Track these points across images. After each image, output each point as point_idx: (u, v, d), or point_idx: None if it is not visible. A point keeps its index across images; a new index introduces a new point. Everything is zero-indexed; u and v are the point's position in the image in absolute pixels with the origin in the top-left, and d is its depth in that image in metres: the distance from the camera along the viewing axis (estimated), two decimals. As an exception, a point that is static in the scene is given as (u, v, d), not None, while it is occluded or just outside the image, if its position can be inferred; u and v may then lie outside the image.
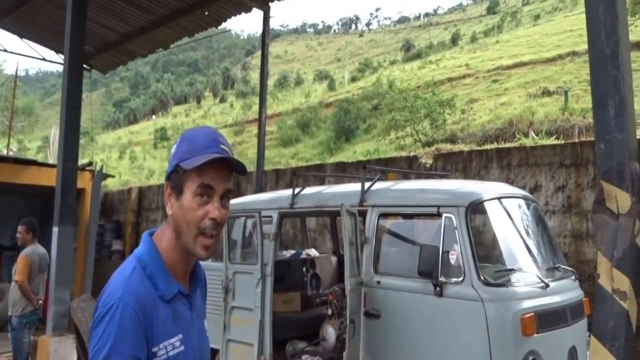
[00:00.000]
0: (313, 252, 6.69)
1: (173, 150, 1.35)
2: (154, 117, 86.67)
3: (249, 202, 5.63)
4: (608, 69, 3.19)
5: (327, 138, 31.91)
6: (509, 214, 4.06)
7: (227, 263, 5.11)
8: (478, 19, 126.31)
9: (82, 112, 6.82)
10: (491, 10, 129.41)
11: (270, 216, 5.03)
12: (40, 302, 5.70)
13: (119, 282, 1.24)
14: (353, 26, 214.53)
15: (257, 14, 9.26)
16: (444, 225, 3.65)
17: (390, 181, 5.29)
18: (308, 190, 5.21)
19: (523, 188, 6.11)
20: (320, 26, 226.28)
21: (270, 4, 9.14)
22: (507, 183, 5.91)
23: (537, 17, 79.52)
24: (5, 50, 11.82)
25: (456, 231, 3.62)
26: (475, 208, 3.81)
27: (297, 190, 5.05)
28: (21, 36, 11.04)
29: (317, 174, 8.81)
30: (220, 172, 1.30)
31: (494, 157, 7.00)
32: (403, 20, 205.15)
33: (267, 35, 9.42)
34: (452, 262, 3.59)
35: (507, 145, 8.31)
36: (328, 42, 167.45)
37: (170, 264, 1.32)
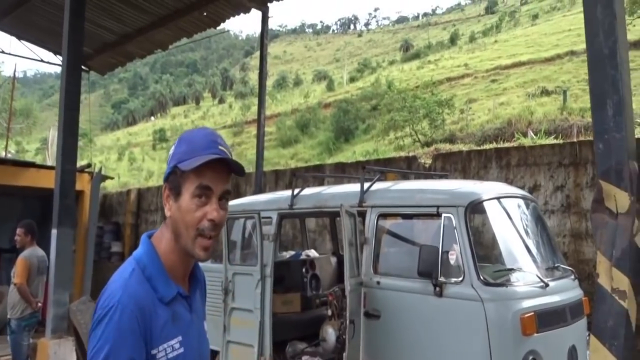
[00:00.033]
0: (313, 252, 6.69)
1: (171, 151, 1.35)
2: (152, 118, 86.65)
3: (249, 203, 5.63)
4: (606, 68, 3.19)
5: (326, 138, 31.91)
6: (508, 214, 4.06)
7: (227, 264, 5.10)
8: (476, 19, 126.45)
9: (81, 114, 6.82)
10: (489, 10, 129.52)
11: (270, 217, 5.03)
12: (40, 304, 5.68)
13: (118, 285, 1.24)
14: (352, 26, 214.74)
15: (255, 14, 9.27)
16: (444, 226, 3.65)
17: (390, 181, 5.29)
18: (307, 191, 5.21)
19: (522, 188, 6.12)
20: (319, 26, 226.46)
21: (268, 4, 9.14)
22: (506, 183, 5.91)
23: (535, 16, 79.64)
24: (3, 52, 11.82)
25: (455, 231, 3.62)
26: (475, 208, 3.81)
27: (296, 191, 5.05)
28: (19, 37, 11.03)
29: (316, 174, 8.81)
30: (219, 173, 1.30)
31: (493, 157, 7.01)
32: (402, 20, 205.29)
33: (265, 35, 9.42)
34: (452, 262, 3.59)
35: (506, 145, 8.32)
36: (327, 43, 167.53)
37: (169, 266, 1.31)
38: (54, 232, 6.15)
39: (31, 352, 5.84)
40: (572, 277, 4.09)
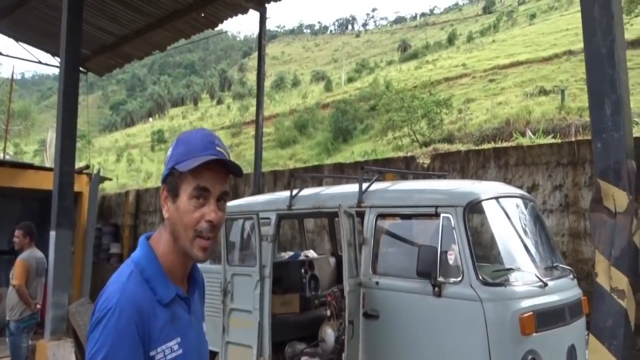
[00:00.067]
0: (311, 253, 6.68)
1: (169, 152, 1.35)
2: (150, 119, 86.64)
3: (247, 204, 5.62)
4: (604, 68, 3.20)
5: (325, 139, 31.92)
6: (506, 214, 4.06)
7: (226, 265, 5.10)
8: (474, 19, 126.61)
9: (79, 115, 6.81)
10: (487, 10, 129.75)
11: (269, 218, 5.03)
12: (38, 306, 5.68)
13: (116, 287, 1.24)
14: (349, 27, 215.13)
15: (253, 15, 9.26)
16: (442, 226, 3.65)
17: (388, 182, 5.29)
18: (306, 191, 5.21)
19: (520, 187, 6.12)
20: (317, 27, 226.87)
21: (266, 5, 9.13)
22: (504, 182, 5.92)
23: (533, 16, 79.80)
24: (1, 54, 11.81)
25: (454, 231, 3.62)
26: (473, 208, 3.82)
27: (295, 191, 5.05)
28: (17, 39, 11.01)
29: (314, 175, 8.80)
30: (216, 174, 1.29)
31: (491, 156, 7.01)
32: (399, 20, 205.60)
33: (263, 36, 9.41)
34: (451, 262, 3.59)
35: (504, 144, 8.32)
36: (325, 43, 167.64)
37: (167, 267, 1.31)
38: (52, 233, 6.14)
39: (30, 354, 5.83)
40: (571, 276, 4.09)
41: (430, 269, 3.55)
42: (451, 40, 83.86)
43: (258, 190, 8.89)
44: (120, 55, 10.99)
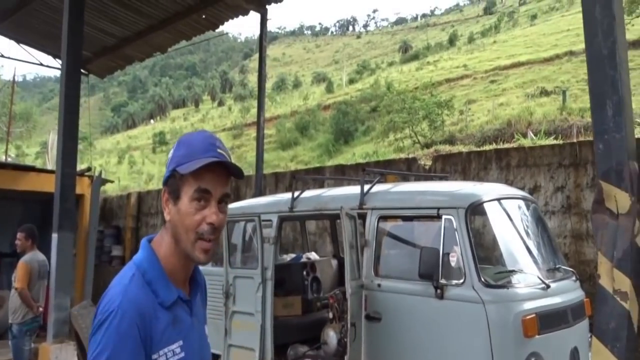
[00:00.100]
0: (313, 255, 6.68)
1: (170, 154, 1.35)
2: (152, 121, 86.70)
3: (249, 206, 5.62)
4: (606, 69, 3.19)
5: (326, 140, 31.90)
6: (508, 215, 4.05)
7: (227, 268, 5.10)
8: (475, 20, 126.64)
9: (80, 117, 6.83)
10: (488, 11, 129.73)
11: (270, 220, 5.03)
12: (41, 309, 5.68)
13: (118, 290, 1.24)
14: (350, 28, 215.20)
15: (254, 16, 9.28)
16: (444, 227, 3.64)
17: (390, 183, 5.28)
18: (307, 193, 5.21)
19: (522, 189, 6.11)
20: (318, 28, 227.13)
21: (267, 6, 9.15)
22: (506, 184, 5.91)
23: (534, 17, 79.73)
24: (2, 56, 11.84)
25: (456, 233, 3.61)
26: (475, 209, 3.81)
27: (296, 193, 5.04)
28: (18, 41, 11.05)
29: (316, 176, 8.80)
30: (218, 176, 1.29)
31: (493, 158, 7.01)
32: (400, 21, 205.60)
33: (264, 38, 9.43)
34: (453, 264, 3.58)
35: (506, 146, 8.31)
36: (325, 44, 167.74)
37: (169, 270, 1.31)
38: (54, 236, 6.15)
39: (33, 357, 5.83)
40: (574, 278, 4.08)
41: (433, 271, 3.54)
42: (452, 41, 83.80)
43: (259, 192, 8.90)
44: (122, 57, 11.01)
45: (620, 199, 3.09)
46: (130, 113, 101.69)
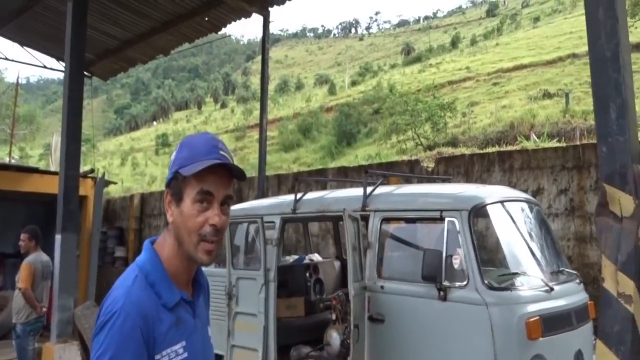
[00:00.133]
0: (316, 257, 6.67)
1: (173, 156, 1.35)
2: (155, 123, 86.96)
3: (251, 208, 5.62)
4: (609, 71, 3.19)
5: (329, 142, 31.95)
6: (512, 218, 4.04)
7: (230, 269, 5.10)
8: (478, 22, 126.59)
9: (84, 119, 6.85)
10: (491, 13, 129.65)
11: (273, 222, 5.03)
12: (44, 309, 5.70)
13: (121, 291, 1.24)
14: (353, 30, 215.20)
15: (256, 19, 9.28)
16: (447, 230, 3.64)
17: (392, 185, 5.28)
18: (310, 195, 5.20)
19: (525, 191, 6.10)
20: (320, 30, 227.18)
21: (270, 8, 9.16)
22: (509, 186, 5.91)
23: (536, 19, 79.72)
24: (6, 59, 11.87)
25: (459, 235, 3.60)
26: (478, 212, 3.80)
27: (299, 195, 5.04)
28: (22, 44, 11.08)
29: (319, 178, 8.80)
30: (220, 178, 1.29)
31: (496, 160, 7.00)
32: (403, 23, 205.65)
33: (267, 40, 9.44)
34: (456, 266, 3.58)
35: (509, 148, 8.31)
36: (328, 47, 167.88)
37: (172, 272, 1.31)
38: (57, 237, 6.17)
39: (36, 357, 5.85)
40: (577, 280, 4.07)
41: (436, 273, 3.53)
42: (455, 43, 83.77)
43: (262, 194, 8.90)
44: (125, 59, 11.04)
45: (624, 202, 3.08)
46: (133, 115, 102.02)
